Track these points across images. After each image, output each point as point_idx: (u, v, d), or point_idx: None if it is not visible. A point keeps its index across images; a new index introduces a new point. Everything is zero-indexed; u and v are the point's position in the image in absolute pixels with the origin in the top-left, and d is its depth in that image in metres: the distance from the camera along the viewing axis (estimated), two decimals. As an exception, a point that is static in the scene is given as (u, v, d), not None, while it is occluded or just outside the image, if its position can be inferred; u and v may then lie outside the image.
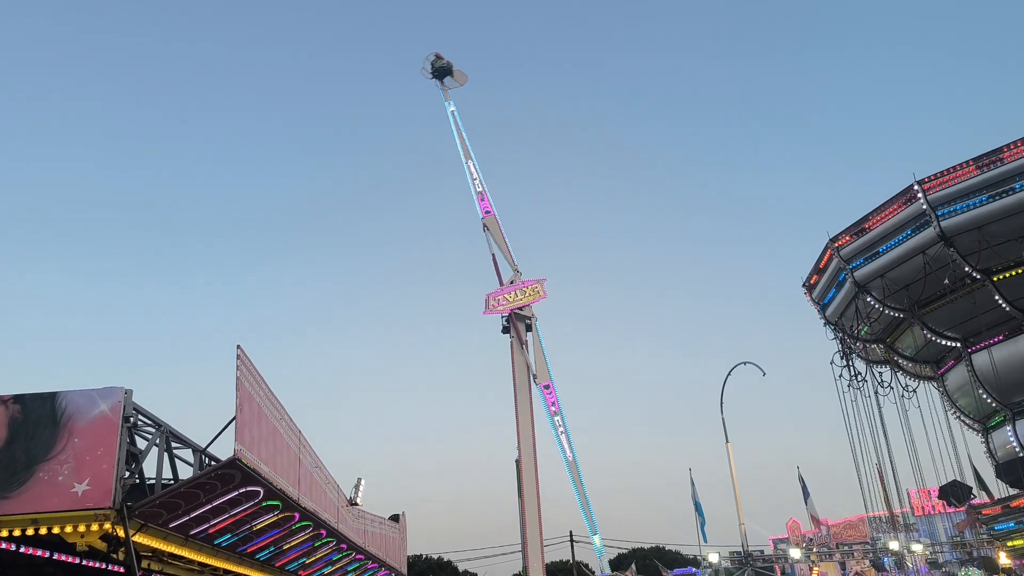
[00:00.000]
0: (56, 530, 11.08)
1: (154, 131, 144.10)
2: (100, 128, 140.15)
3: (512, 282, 39.61)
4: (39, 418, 11.36)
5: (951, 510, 46.39)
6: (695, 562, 44.82)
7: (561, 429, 36.93)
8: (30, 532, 11.02)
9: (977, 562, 36.15)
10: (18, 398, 11.51)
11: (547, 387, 37.88)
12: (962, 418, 39.62)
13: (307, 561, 20.93)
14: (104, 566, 13.46)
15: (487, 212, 41.35)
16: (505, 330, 39.41)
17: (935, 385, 40.43)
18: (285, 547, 18.06)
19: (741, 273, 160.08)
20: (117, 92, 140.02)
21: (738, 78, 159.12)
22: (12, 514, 10.92)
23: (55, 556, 12.88)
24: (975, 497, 38.82)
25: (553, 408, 37.36)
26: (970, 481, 37.89)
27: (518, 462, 37.25)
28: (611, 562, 59.03)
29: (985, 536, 37.18)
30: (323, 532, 18.70)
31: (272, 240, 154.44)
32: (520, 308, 38.81)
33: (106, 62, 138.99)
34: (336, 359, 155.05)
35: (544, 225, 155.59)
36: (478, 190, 42.04)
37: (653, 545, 71.61)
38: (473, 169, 42.50)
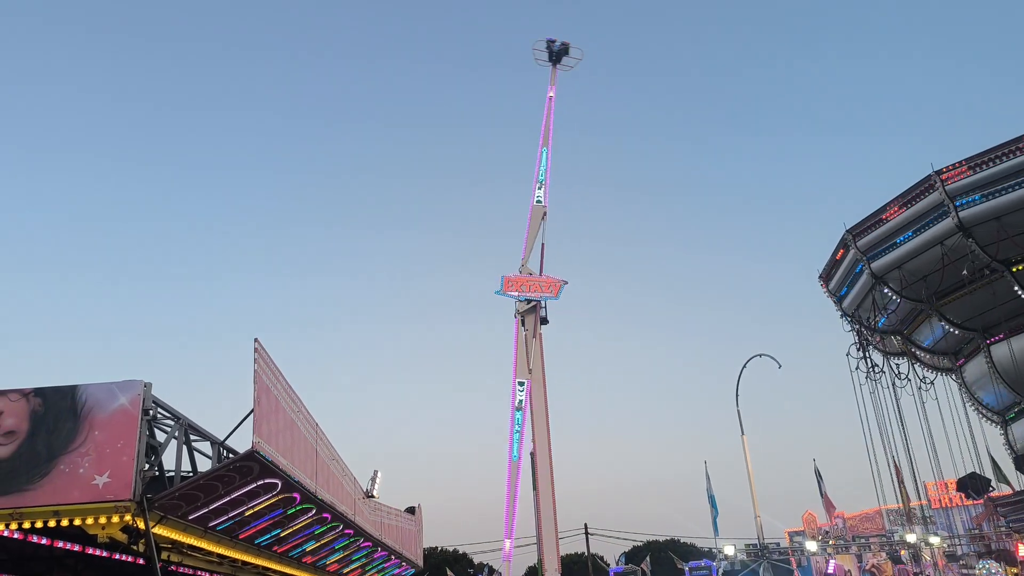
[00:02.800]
0: (77, 522, 11.17)
1: (172, 123, 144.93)
2: (116, 120, 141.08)
3: (531, 273, 39.66)
4: (60, 411, 11.46)
5: (969, 503, 46.03)
6: (710, 555, 44.72)
7: (518, 429, 36.95)
8: (52, 524, 11.12)
9: (995, 555, 35.89)
10: (39, 391, 11.60)
11: (521, 384, 37.90)
12: (980, 410, 39.31)
13: (324, 553, 21.04)
14: (125, 558, 13.59)
15: (539, 201, 41.39)
16: (521, 322, 39.42)
17: (953, 377, 40.11)
18: (302, 539, 18.16)
19: (757, 265, 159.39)
20: (132, 85, 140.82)
21: (752, 70, 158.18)
22: (34, 506, 11.02)
23: (76, 548, 13.02)
24: (994, 489, 38.54)
25: (519, 406, 37.34)
26: (989, 473, 37.62)
27: (533, 455, 37.27)
28: (626, 555, 58.97)
29: (1004, 529, 36.92)
30: (340, 524, 18.79)
31: (289, 232, 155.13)
32: (534, 296, 38.87)
33: (116, 56, 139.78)
34: (353, 351, 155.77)
35: (561, 221, 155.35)
36: (542, 179, 42.08)
37: (668, 538, 71.53)
38: (546, 158, 42.69)
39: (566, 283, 39.26)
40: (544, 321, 39.54)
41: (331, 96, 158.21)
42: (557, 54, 44.45)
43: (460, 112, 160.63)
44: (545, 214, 40.94)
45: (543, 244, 40.35)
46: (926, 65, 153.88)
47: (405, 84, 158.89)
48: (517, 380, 37.63)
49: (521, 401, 37.36)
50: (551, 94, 44.28)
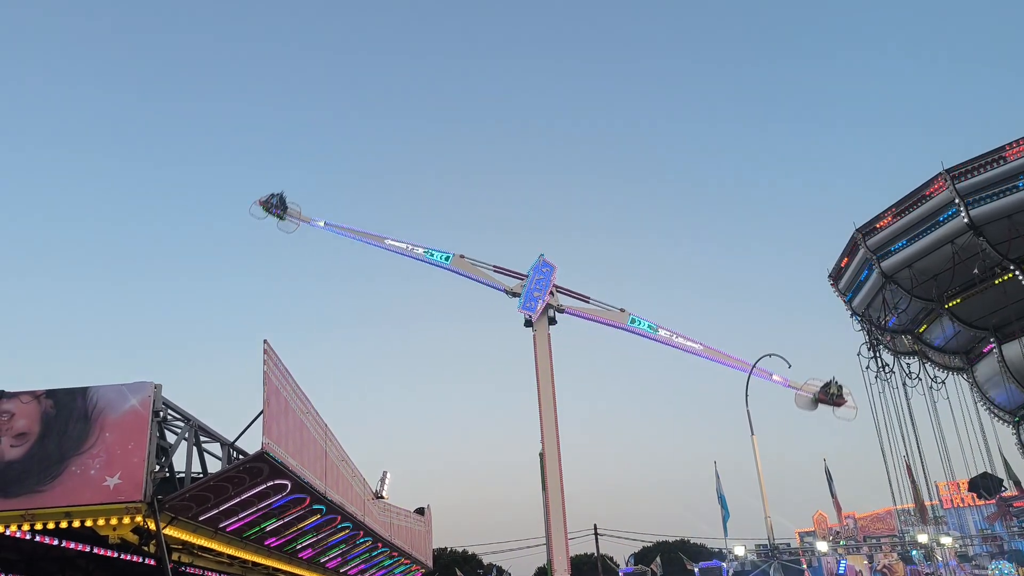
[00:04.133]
0: (89, 523, 11.24)
1: (182, 121, 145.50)
2: (126, 120, 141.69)
3: (523, 284, 39.65)
4: (71, 413, 11.53)
5: (981, 502, 45.74)
6: (720, 555, 44.58)
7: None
8: (63, 525, 11.19)
9: (1008, 555, 35.66)
10: (51, 393, 11.68)
11: (633, 320, 38.31)
12: (992, 409, 39.07)
13: (333, 554, 21.08)
14: (136, 559, 13.65)
15: (447, 257, 40.50)
16: (528, 323, 39.42)
17: (964, 376, 39.88)
18: (312, 540, 18.20)
19: (767, 265, 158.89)
20: (148, 85, 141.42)
21: (759, 70, 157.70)
22: (46, 507, 11.10)
23: (88, 549, 13.09)
24: (1006, 489, 38.29)
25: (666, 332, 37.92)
26: (1001, 473, 37.39)
27: (542, 455, 37.22)
28: (636, 555, 58.89)
29: (1016, 529, 36.69)
30: (350, 525, 18.83)
31: (297, 233, 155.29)
32: (551, 295, 38.96)
33: (128, 55, 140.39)
34: (362, 352, 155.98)
35: (569, 220, 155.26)
36: (420, 252, 40.53)
37: (678, 538, 71.37)
38: (398, 244, 41.02)
39: (541, 255, 39.24)
40: (552, 321, 39.51)
41: (339, 94, 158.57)
42: (275, 206, 41.42)
43: (471, 110, 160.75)
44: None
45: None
46: (937, 63, 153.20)
47: (416, 78, 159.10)
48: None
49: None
50: (321, 223, 41.65)
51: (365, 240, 41.79)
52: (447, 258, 40.52)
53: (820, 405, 34.87)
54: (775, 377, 35.67)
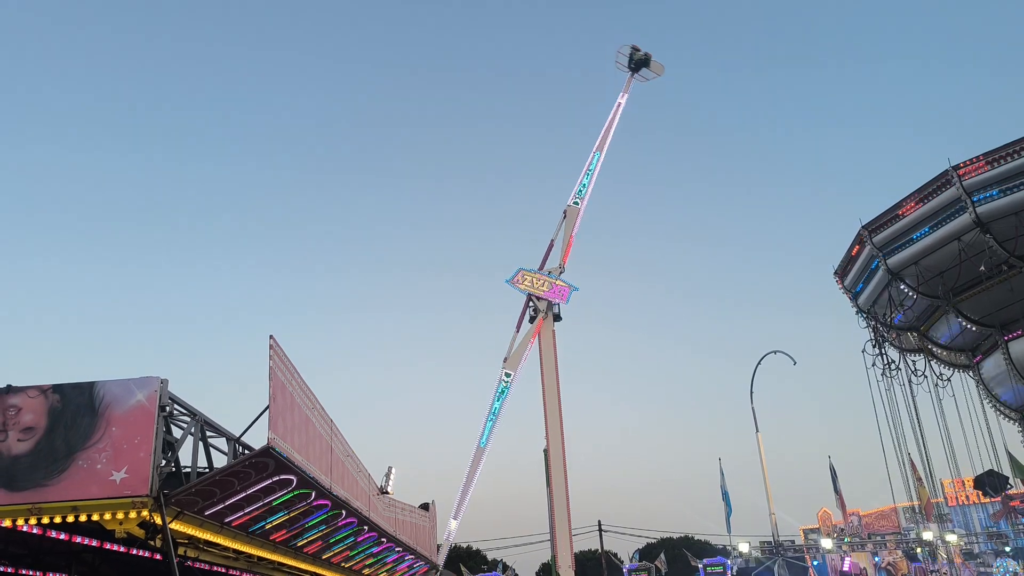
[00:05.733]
0: (95, 517, 11.27)
1: (185, 112, 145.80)
2: (130, 114, 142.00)
3: (550, 273, 39.68)
4: (78, 407, 11.57)
5: (986, 500, 45.70)
6: (725, 552, 44.64)
7: (493, 415, 37.37)
8: (70, 519, 11.23)
9: (1013, 552, 35.64)
10: (57, 388, 11.72)
11: (508, 375, 38.23)
12: (998, 407, 39.00)
13: (338, 548, 21.13)
14: (142, 553, 13.70)
15: (576, 203, 41.38)
16: (532, 319, 39.49)
17: (970, 374, 39.81)
18: (317, 534, 18.24)
19: (772, 261, 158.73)
20: (140, 77, 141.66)
21: (765, 65, 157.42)
22: (53, 501, 11.13)
23: (94, 543, 13.14)
24: (1011, 487, 38.26)
25: (499, 395, 37.78)
26: (1006, 471, 37.34)
27: (546, 451, 37.31)
28: (640, 551, 58.89)
29: (1021, 526, 36.67)
30: (354, 520, 18.86)
31: (304, 228, 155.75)
32: (539, 296, 39.05)
33: (130, 47, 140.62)
34: (368, 345, 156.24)
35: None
36: (585, 184, 42.09)
37: (682, 535, 71.38)
38: (597, 162, 42.72)
39: (576, 289, 39.40)
40: (557, 318, 39.57)
41: (345, 91, 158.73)
42: (637, 63, 44.79)
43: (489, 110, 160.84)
44: (578, 215, 40.89)
45: (570, 248, 40.36)
46: (943, 60, 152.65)
47: (419, 81, 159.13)
48: (504, 371, 37.95)
49: (502, 390, 37.67)
50: (621, 100, 44.46)
51: (603, 135, 43.51)
52: (577, 203, 41.58)
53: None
54: None
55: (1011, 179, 30.33)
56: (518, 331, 38.79)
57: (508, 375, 37.97)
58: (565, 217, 40.88)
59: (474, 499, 36.81)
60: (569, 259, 40.23)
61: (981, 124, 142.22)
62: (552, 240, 40.56)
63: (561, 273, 39.76)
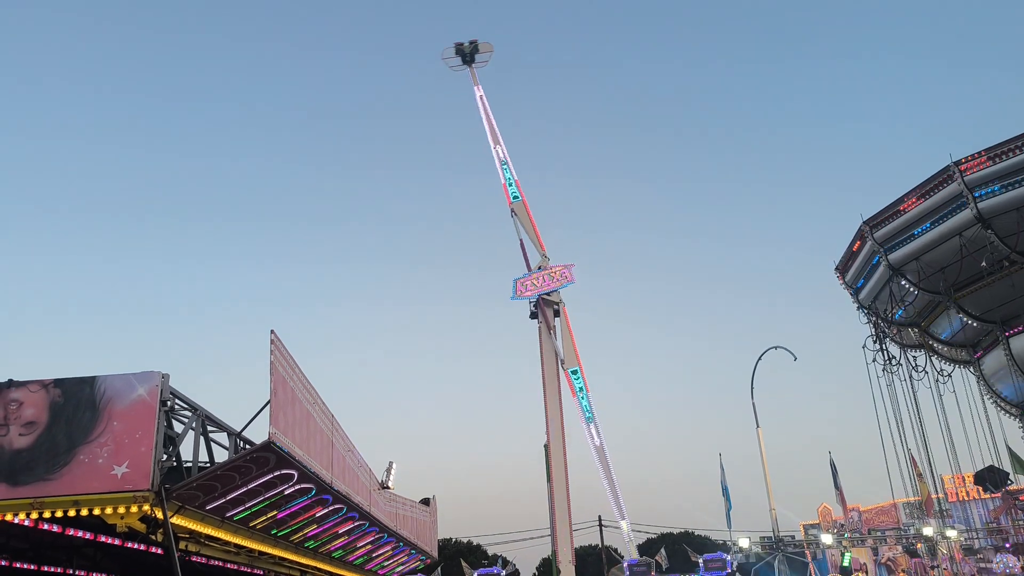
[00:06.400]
0: (97, 511, 11.28)
1: (190, 111, 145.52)
2: (133, 109, 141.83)
3: (540, 267, 39.56)
4: (79, 402, 11.58)
5: (987, 496, 45.69)
6: (725, 547, 44.61)
7: (588, 415, 36.86)
8: (71, 513, 11.24)
9: (1013, 548, 35.63)
10: (59, 382, 11.72)
11: (575, 372, 37.86)
12: (999, 402, 38.99)
13: (337, 542, 21.16)
14: (143, 547, 13.72)
15: (515, 197, 41.33)
16: (533, 315, 39.45)
17: (971, 370, 39.79)
18: (317, 529, 18.26)
19: (773, 256, 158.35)
20: (137, 73, 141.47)
21: (767, 61, 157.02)
22: (54, 495, 11.15)
23: (95, 537, 13.15)
24: (1012, 483, 38.22)
25: (580, 394, 37.35)
26: (1007, 466, 37.31)
27: (547, 447, 37.32)
28: (639, 547, 58.89)
29: (1022, 522, 36.66)
30: (355, 515, 18.89)
31: (304, 223, 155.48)
32: (547, 293, 38.85)
33: (132, 46, 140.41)
34: (367, 342, 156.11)
35: (572, 213, 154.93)
36: (506, 175, 42.04)
37: (682, 530, 71.44)
38: (502, 153, 42.49)
39: (573, 265, 39.45)
40: (557, 314, 39.54)
41: (348, 88, 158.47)
42: (469, 54, 44.27)
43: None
44: (526, 207, 40.71)
45: (539, 236, 40.37)
46: (946, 56, 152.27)
47: (409, 79, 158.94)
48: (569, 370, 37.88)
49: (582, 389, 37.42)
50: (479, 92, 43.83)
51: (493, 134, 43.27)
52: (516, 197, 41.57)
53: None
54: None
55: (1013, 175, 30.23)
56: (551, 332, 38.60)
57: (575, 372, 37.89)
58: (516, 215, 40.60)
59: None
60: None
61: (983, 120, 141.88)
62: (520, 240, 40.27)
63: (548, 262, 39.76)
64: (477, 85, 44.35)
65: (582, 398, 37.21)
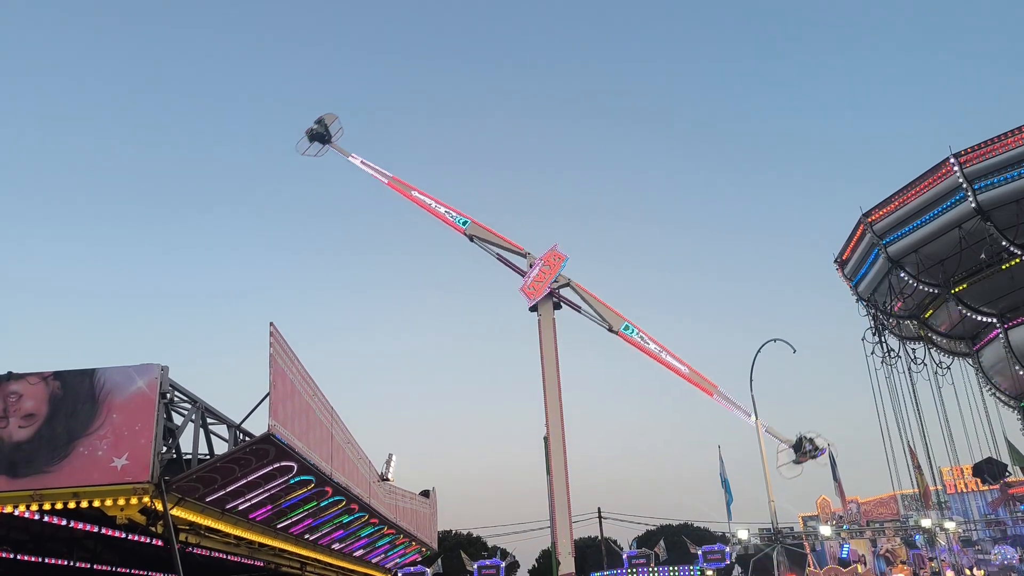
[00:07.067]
0: (97, 503, 11.32)
1: (190, 104, 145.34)
2: (132, 102, 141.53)
3: (532, 265, 39.64)
4: (79, 394, 11.60)
5: (985, 488, 45.85)
6: (724, 539, 44.78)
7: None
8: (72, 505, 11.28)
9: (1011, 540, 35.79)
10: (58, 375, 11.74)
11: (627, 327, 38.31)
12: (997, 394, 39.07)
13: (337, 534, 21.23)
14: (143, 539, 13.76)
15: (464, 223, 40.48)
16: (533, 308, 39.54)
17: (970, 362, 39.85)
18: (318, 521, 18.32)
19: (772, 248, 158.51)
20: (139, 68, 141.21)
21: (767, 56, 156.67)
22: (54, 488, 11.18)
23: (95, 529, 13.20)
24: (1010, 474, 38.37)
25: (656, 347, 37.99)
26: (1005, 458, 37.44)
27: (546, 439, 37.44)
28: (638, 539, 59.12)
29: (1020, 514, 36.81)
30: (355, 507, 18.94)
31: (303, 215, 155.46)
32: (555, 281, 39.21)
33: (135, 40, 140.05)
34: (366, 334, 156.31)
35: (572, 206, 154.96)
36: (441, 211, 40.94)
37: (681, 522, 71.65)
38: (423, 198, 41.51)
39: (556, 243, 39.75)
40: (557, 306, 39.65)
41: (353, 90, 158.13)
42: (324, 133, 42.33)
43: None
44: (480, 224, 40.39)
45: (509, 240, 40.33)
46: (945, 47, 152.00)
47: (399, 79, 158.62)
48: (621, 328, 38.51)
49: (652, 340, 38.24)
50: (359, 161, 42.66)
51: (394, 185, 42.27)
52: (465, 223, 40.63)
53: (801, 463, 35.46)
54: (752, 420, 35.77)
55: (1012, 167, 30.23)
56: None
57: (627, 327, 38.39)
58: (475, 237, 40.07)
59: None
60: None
61: (983, 112, 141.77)
62: (497, 255, 40.24)
63: (532, 256, 39.88)
64: (350, 156, 42.97)
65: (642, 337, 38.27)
